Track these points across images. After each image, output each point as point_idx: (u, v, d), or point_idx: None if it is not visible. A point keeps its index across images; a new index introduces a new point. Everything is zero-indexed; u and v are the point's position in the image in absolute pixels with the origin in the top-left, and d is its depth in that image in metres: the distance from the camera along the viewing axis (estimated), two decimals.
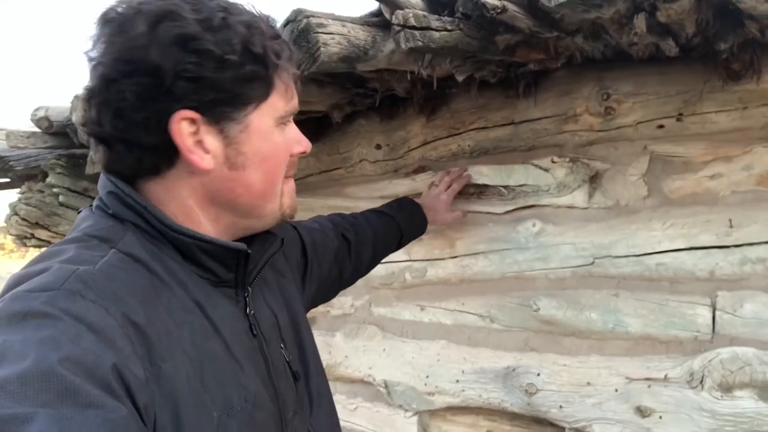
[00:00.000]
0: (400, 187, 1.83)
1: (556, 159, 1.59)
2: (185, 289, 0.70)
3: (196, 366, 0.66)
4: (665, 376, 1.39)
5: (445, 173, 1.69)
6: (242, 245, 0.75)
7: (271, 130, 0.76)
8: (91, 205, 0.77)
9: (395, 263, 1.87)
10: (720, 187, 1.44)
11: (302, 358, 0.90)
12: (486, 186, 1.69)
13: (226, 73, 0.69)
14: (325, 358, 2.01)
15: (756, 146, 1.40)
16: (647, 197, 1.53)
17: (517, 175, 1.64)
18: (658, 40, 1.27)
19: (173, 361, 0.63)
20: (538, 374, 1.54)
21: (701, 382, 1.34)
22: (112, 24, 0.68)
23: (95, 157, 0.75)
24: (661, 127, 1.53)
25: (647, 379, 1.42)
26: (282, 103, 0.76)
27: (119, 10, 0.69)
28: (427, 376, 1.73)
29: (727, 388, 1.29)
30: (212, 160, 0.71)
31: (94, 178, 2.06)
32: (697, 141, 1.49)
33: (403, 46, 1.11)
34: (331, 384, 2.03)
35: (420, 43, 1.12)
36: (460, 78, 1.39)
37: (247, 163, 0.74)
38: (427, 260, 1.79)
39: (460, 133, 1.75)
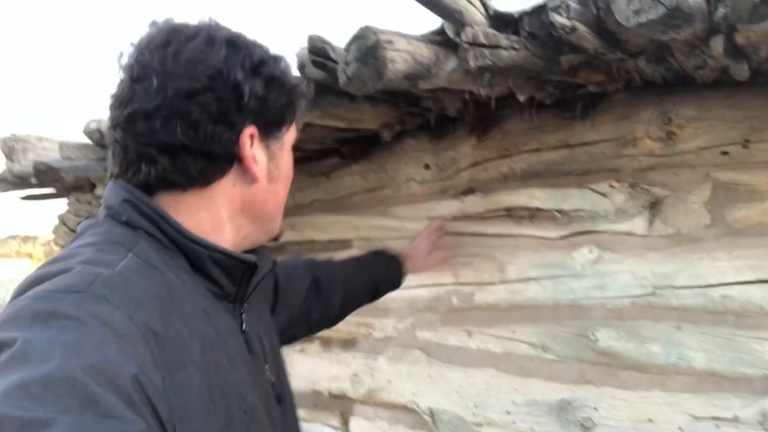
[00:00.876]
0: (448, 207, 1.79)
1: (614, 184, 1.54)
2: (195, 298, 0.73)
3: (204, 376, 0.67)
4: (735, 415, 1.31)
5: (434, 226, 1.72)
6: (253, 257, 0.79)
7: (290, 150, 0.87)
8: (89, 216, 0.79)
9: (441, 286, 1.83)
10: None
11: (281, 385, 0.92)
12: (538, 209, 1.65)
13: (283, 97, 0.81)
14: (368, 382, 1.97)
15: None
16: (710, 226, 1.47)
17: (573, 199, 1.59)
18: (732, 63, 1.22)
19: (186, 371, 0.64)
20: (596, 408, 1.47)
21: None
22: (189, 42, 0.74)
23: (143, 167, 0.74)
24: (725, 153, 1.47)
25: (714, 418, 1.34)
26: (297, 127, 0.88)
27: (186, 32, 0.76)
28: (476, 406, 1.67)
29: None
30: (259, 173, 0.80)
31: None
32: (764, 169, 1.42)
33: (472, 64, 1.09)
34: (371, 409, 2.00)
35: (489, 62, 1.09)
36: (522, 98, 1.36)
37: (280, 176, 0.84)
38: (476, 284, 1.74)
39: (511, 155, 1.71)
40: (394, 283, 1.57)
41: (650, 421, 1.40)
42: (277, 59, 0.82)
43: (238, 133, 0.76)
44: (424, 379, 1.82)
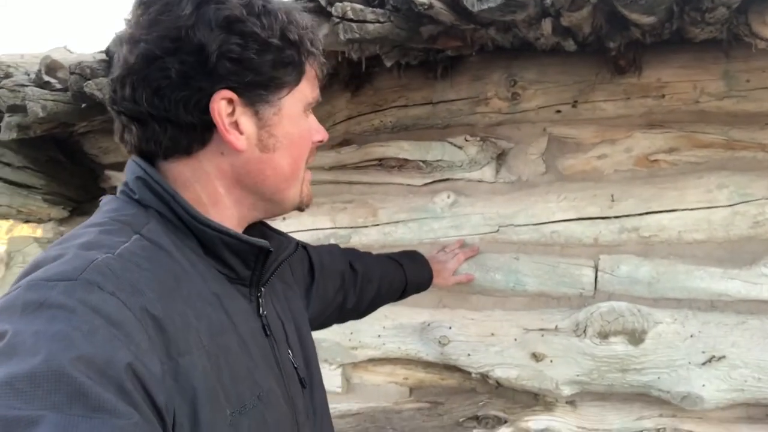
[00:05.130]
0: (326, 158, 1.94)
1: (468, 138, 1.77)
2: (205, 281, 0.70)
3: (212, 360, 0.64)
4: (556, 326, 1.64)
5: (458, 245, 1.76)
6: (265, 242, 0.75)
7: (300, 116, 0.77)
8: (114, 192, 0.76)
9: (320, 230, 2.00)
10: (605, 166, 1.69)
11: (308, 370, 0.89)
12: (406, 160, 1.85)
13: (267, 56, 0.70)
14: None
15: (635, 132, 1.64)
16: (545, 173, 1.76)
17: (435, 151, 1.80)
18: (560, 40, 1.46)
19: (191, 355, 0.62)
20: (450, 327, 1.75)
21: (584, 330, 1.59)
22: (157, 3, 0.69)
23: (126, 137, 0.72)
24: (558, 111, 1.74)
25: (541, 329, 1.66)
26: (309, 90, 0.78)
27: None
28: (351, 333, 1.89)
29: (604, 336, 1.56)
30: (246, 141, 0.72)
31: (6, 144, 2.00)
32: (588, 125, 1.72)
33: (342, 37, 1.22)
34: None
35: (357, 35, 1.23)
36: (388, 63, 1.52)
37: (278, 145, 0.75)
38: (352, 227, 1.93)
39: (382, 110, 1.89)
40: (424, 287, 1.57)
41: (492, 335, 1.70)
42: (261, 12, 0.71)
43: (207, 98, 0.68)
44: None
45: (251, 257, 0.75)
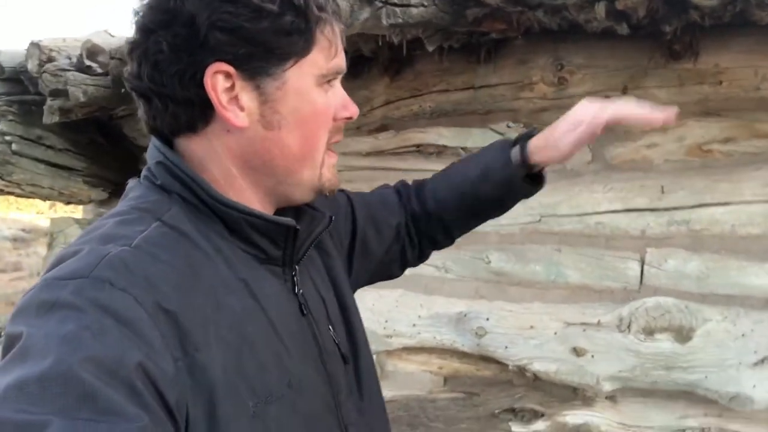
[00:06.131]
0: (362, 144, 1.91)
1: (511, 124, 1.71)
2: (231, 266, 0.68)
3: (233, 353, 0.63)
4: (598, 321, 1.59)
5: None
6: (291, 221, 0.72)
7: (311, 90, 0.70)
8: (140, 175, 0.73)
9: None
10: (655, 156, 1.62)
11: (351, 341, 0.85)
12: (445, 147, 1.81)
13: (262, 23, 0.65)
14: None
15: (689, 120, 1.57)
16: (591, 162, 1.69)
17: (475, 137, 1.76)
18: (613, 23, 1.39)
19: (208, 350, 0.60)
20: (487, 319, 1.71)
21: (629, 326, 1.54)
22: None
23: (140, 113, 0.70)
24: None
25: (583, 323, 1.61)
26: (323, 61, 0.70)
27: None
28: (386, 321, 1.88)
29: (649, 332, 1.51)
30: (247, 118, 0.67)
31: (49, 127, 2.03)
32: None
33: (385, 22, 1.18)
34: None
35: (400, 20, 1.19)
36: (430, 48, 1.47)
37: (283, 123, 0.69)
38: None
39: (422, 95, 1.84)
40: (524, 193, 0.98)
41: (531, 328, 1.66)
42: None
43: (202, 72, 0.64)
44: None
45: (280, 237, 0.72)
